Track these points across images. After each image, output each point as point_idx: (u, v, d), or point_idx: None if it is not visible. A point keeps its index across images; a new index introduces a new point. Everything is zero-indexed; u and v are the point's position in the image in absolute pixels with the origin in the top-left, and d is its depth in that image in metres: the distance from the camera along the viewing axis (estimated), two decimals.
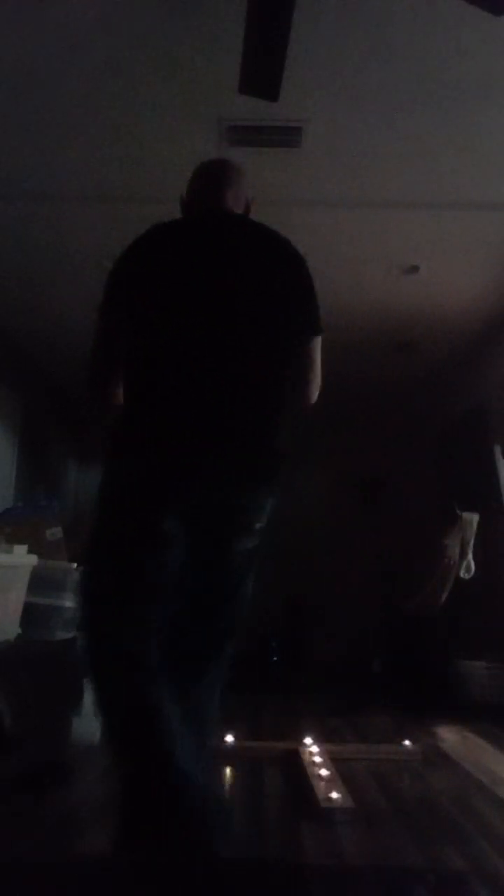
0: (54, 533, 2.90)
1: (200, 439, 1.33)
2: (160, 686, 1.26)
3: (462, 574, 3.47)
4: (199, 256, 1.49)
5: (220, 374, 1.37)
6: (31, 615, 2.51)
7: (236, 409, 1.36)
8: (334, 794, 1.83)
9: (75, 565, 2.75)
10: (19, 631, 2.45)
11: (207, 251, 1.50)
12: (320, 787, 1.91)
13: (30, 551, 2.57)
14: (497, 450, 4.04)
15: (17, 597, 2.46)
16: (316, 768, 2.09)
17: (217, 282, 1.45)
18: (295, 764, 2.23)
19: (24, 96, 2.25)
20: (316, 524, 5.52)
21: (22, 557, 2.52)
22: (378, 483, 5.61)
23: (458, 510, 3.59)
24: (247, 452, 1.36)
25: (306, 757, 2.24)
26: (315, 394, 1.58)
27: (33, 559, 2.56)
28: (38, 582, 2.57)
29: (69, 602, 2.70)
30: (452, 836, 1.62)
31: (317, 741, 2.43)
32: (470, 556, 3.48)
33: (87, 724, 2.65)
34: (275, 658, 4.70)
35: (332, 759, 2.20)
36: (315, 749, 2.33)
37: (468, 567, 3.47)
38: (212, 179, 1.68)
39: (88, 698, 2.88)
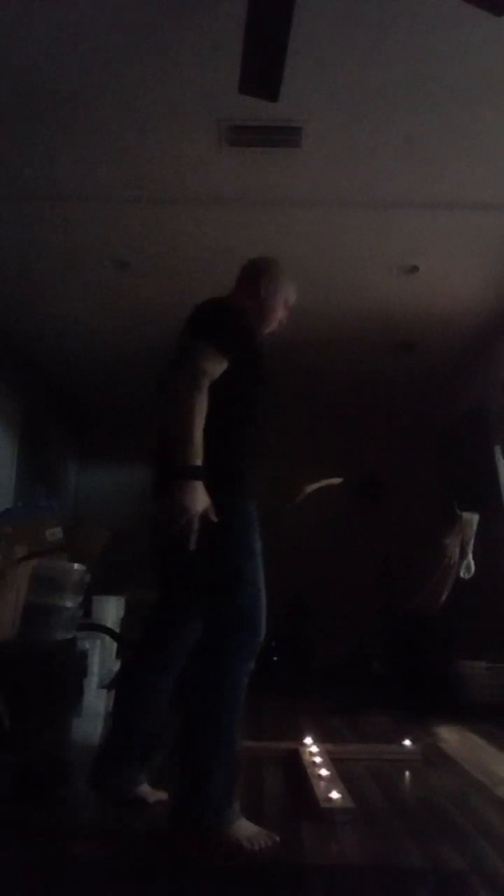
0: (54, 533, 2.90)
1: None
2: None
3: (462, 574, 3.47)
4: None
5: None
6: (31, 615, 2.51)
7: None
8: (334, 794, 1.82)
9: (75, 565, 2.76)
10: (19, 631, 2.45)
11: None
12: (320, 787, 1.91)
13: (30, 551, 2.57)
14: (497, 450, 4.05)
15: (17, 597, 2.46)
16: (316, 768, 2.09)
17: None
18: (295, 764, 2.23)
19: (25, 96, 2.25)
20: (316, 524, 5.52)
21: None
22: (378, 483, 5.61)
23: (458, 510, 3.59)
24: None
25: (306, 757, 2.23)
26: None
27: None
28: (38, 582, 2.57)
29: (69, 602, 2.70)
30: (452, 836, 1.62)
31: (317, 741, 2.43)
32: (470, 556, 3.48)
33: (87, 724, 2.65)
34: (275, 658, 4.69)
35: (332, 759, 2.20)
36: (315, 749, 2.32)
37: (468, 567, 3.47)
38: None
39: (88, 698, 2.89)
